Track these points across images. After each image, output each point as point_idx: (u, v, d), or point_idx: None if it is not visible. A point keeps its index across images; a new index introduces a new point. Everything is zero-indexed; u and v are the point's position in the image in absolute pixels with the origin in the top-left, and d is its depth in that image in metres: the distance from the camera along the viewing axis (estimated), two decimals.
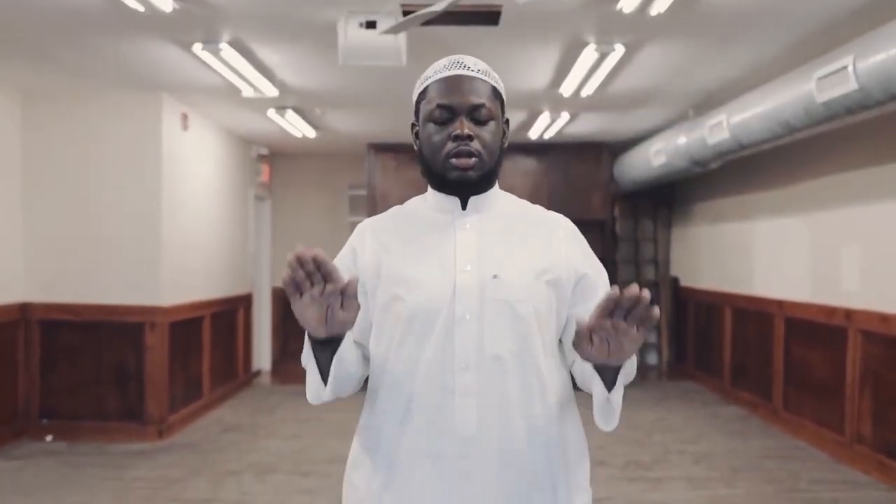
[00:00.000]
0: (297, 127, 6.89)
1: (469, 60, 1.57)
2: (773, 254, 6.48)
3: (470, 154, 1.52)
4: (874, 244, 4.99)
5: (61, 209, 5.75)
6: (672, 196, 8.94)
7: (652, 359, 9.15)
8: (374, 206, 7.74)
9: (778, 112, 4.66)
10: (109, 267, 5.74)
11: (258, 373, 8.61)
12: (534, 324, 1.53)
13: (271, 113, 6.32)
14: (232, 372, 7.58)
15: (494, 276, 1.52)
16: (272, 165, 8.90)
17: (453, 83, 1.54)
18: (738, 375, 7.12)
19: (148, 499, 4.44)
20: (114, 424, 5.74)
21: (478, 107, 1.53)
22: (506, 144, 1.62)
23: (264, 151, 8.42)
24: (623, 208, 9.15)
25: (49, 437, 5.68)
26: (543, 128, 7.00)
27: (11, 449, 5.43)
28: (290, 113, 6.31)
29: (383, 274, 1.56)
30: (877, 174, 4.99)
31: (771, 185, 6.50)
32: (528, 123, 6.94)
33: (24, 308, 5.71)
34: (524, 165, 7.85)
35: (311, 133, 7.21)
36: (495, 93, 1.58)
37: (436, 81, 1.56)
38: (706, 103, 5.99)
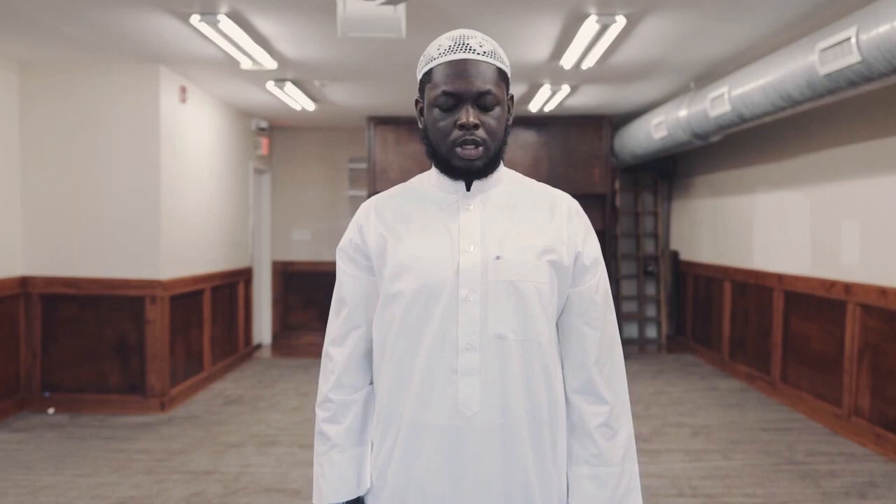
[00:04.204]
0: (296, 100, 6.85)
1: (475, 42, 1.53)
2: (773, 227, 6.48)
3: (475, 143, 1.51)
4: (874, 218, 4.99)
5: (60, 182, 5.74)
6: (673, 169, 8.92)
7: (651, 332, 9.19)
8: (374, 179, 7.72)
9: (780, 84, 4.63)
10: (109, 240, 5.74)
11: (259, 346, 8.64)
12: (536, 303, 1.53)
13: (270, 85, 6.28)
14: (233, 345, 7.61)
15: (497, 257, 1.53)
16: (271, 139, 8.87)
17: (459, 68, 1.51)
18: (737, 349, 7.14)
19: (150, 471, 4.48)
20: (116, 397, 5.77)
21: (483, 93, 1.51)
22: (510, 121, 1.60)
23: (263, 124, 8.39)
24: (623, 181, 9.14)
25: (51, 410, 5.71)
26: (544, 100, 6.96)
27: (14, 422, 5.46)
28: (289, 85, 6.27)
29: (388, 253, 1.57)
30: (877, 148, 4.97)
31: (771, 159, 6.47)
32: (528, 96, 6.90)
33: (24, 282, 5.72)
34: (524, 138, 7.81)
35: (310, 106, 7.17)
36: (501, 74, 1.55)
37: (441, 65, 1.53)
38: (708, 75, 5.95)
